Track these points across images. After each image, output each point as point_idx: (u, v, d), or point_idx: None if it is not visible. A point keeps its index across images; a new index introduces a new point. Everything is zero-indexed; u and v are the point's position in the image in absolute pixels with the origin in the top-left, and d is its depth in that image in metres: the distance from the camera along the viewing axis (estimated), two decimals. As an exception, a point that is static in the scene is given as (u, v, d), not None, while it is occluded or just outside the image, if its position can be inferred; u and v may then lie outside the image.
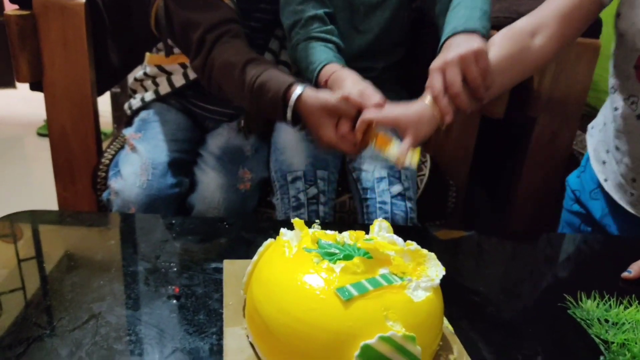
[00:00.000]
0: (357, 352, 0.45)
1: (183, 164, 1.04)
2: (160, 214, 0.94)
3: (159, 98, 1.13)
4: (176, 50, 1.08)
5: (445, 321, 0.58)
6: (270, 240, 0.58)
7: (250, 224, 0.81)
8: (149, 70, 1.14)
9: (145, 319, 0.55)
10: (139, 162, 0.98)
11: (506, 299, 0.68)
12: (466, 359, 0.54)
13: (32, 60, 1.14)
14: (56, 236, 0.73)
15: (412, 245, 0.53)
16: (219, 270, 0.65)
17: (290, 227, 0.57)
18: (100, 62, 1.20)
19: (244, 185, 1.04)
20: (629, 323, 0.59)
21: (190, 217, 0.95)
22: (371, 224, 0.59)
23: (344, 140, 0.79)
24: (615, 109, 0.89)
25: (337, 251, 0.52)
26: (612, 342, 0.57)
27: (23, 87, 1.25)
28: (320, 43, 0.97)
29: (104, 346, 0.51)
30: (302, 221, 0.57)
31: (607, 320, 0.61)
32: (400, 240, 0.54)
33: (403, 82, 1.22)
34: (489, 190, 1.60)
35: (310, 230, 0.56)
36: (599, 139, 0.98)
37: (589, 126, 1.05)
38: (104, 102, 2.23)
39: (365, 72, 0.90)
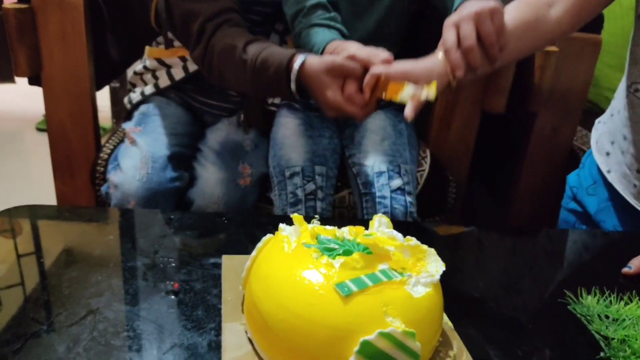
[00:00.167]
0: (356, 348, 0.44)
1: (183, 158, 1.04)
2: (160, 208, 0.94)
3: (159, 91, 1.13)
4: (176, 43, 1.07)
5: (445, 317, 0.57)
6: (269, 235, 0.57)
7: (249, 220, 0.80)
8: (148, 63, 1.13)
9: (144, 314, 0.55)
10: (139, 156, 0.98)
11: (506, 294, 0.68)
12: (466, 355, 0.54)
13: (31, 54, 1.13)
14: (54, 231, 0.73)
15: (412, 240, 0.53)
16: (218, 266, 0.64)
17: (290, 222, 0.57)
18: (99, 57, 1.20)
19: (243, 180, 1.03)
20: (630, 319, 0.59)
21: (189, 212, 0.94)
22: (371, 218, 0.58)
23: (350, 102, 0.78)
24: (627, 96, 0.89)
25: (336, 246, 0.52)
26: (613, 338, 0.56)
27: (22, 82, 1.25)
28: (324, 28, 0.96)
29: (102, 342, 0.50)
30: (301, 216, 0.56)
31: (607, 317, 0.60)
32: (400, 235, 0.54)
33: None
34: (489, 186, 1.59)
35: (310, 226, 0.56)
36: (604, 130, 0.98)
37: (597, 121, 1.04)
38: (103, 97, 2.22)
39: None
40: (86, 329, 0.52)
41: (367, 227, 0.57)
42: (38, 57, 1.14)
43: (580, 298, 0.64)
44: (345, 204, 1.13)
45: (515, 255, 0.82)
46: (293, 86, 0.81)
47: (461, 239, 0.86)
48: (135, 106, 1.14)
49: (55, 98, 1.19)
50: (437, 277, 0.50)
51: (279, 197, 1.02)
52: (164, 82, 1.12)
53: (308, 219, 0.58)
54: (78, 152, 1.23)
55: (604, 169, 0.95)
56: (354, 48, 0.82)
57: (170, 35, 1.07)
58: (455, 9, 0.81)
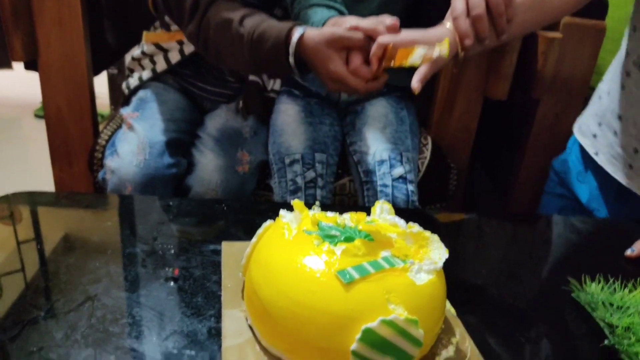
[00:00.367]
0: (358, 336, 0.44)
1: (181, 144, 1.03)
2: (157, 194, 0.93)
3: (156, 76, 1.11)
4: (173, 27, 1.05)
5: (448, 304, 0.57)
6: (269, 222, 0.56)
7: (248, 206, 0.80)
8: (146, 48, 1.12)
9: (142, 301, 0.54)
10: (136, 141, 0.97)
11: (508, 281, 0.67)
12: (468, 342, 0.53)
13: (26, 39, 1.11)
14: (52, 218, 0.72)
15: (415, 227, 0.52)
16: (217, 252, 0.63)
17: (290, 209, 0.56)
18: (96, 42, 1.18)
19: (242, 167, 1.02)
20: (634, 307, 0.58)
21: (188, 199, 0.94)
22: (372, 206, 0.58)
23: (355, 75, 0.75)
24: (627, 74, 0.88)
25: (337, 233, 0.51)
26: (617, 326, 0.56)
27: (20, 68, 1.23)
28: (323, 8, 0.93)
29: (100, 329, 0.50)
30: (302, 203, 0.55)
31: (611, 304, 0.60)
32: (402, 222, 0.53)
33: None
34: (490, 173, 1.59)
35: (311, 212, 0.55)
36: (589, 113, 0.97)
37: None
38: (101, 84, 2.21)
39: None
40: (84, 316, 0.51)
41: (368, 214, 0.56)
42: (34, 42, 1.13)
43: (583, 285, 0.63)
44: (346, 191, 1.12)
45: (517, 242, 0.81)
46: (291, 60, 0.78)
47: (463, 226, 0.85)
48: (133, 91, 1.13)
49: (52, 84, 1.18)
50: (440, 264, 0.50)
51: (279, 184, 1.01)
52: (161, 66, 1.10)
53: (308, 207, 0.57)
54: (76, 138, 1.22)
55: (591, 151, 0.94)
56: (355, 20, 0.79)
57: (167, 19, 1.05)
58: None
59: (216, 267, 0.61)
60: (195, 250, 0.64)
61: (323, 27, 0.85)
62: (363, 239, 0.50)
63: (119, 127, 1.12)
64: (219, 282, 0.58)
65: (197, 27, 0.85)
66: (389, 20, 0.75)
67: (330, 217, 0.55)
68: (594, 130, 0.95)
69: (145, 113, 1.03)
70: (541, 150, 1.29)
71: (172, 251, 0.63)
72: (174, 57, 1.08)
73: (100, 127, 1.22)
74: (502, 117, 1.44)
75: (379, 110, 1.12)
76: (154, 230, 0.68)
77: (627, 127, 0.88)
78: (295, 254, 0.49)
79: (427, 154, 1.17)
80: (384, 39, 0.74)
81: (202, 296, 0.56)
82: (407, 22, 1.15)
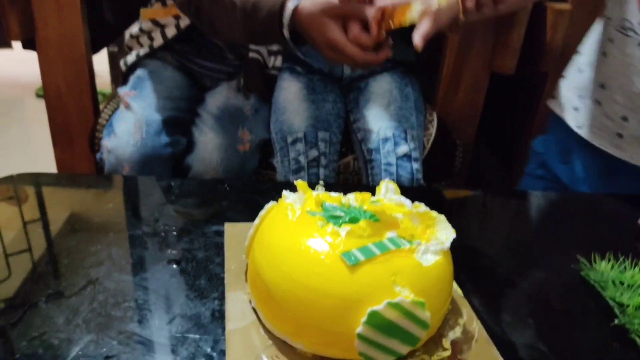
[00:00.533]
0: (364, 319, 0.43)
1: (180, 123, 1.01)
2: (155, 174, 0.92)
3: (153, 53, 1.09)
4: (169, 1, 1.03)
5: (455, 284, 0.56)
6: (272, 202, 0.55)
7: (251, 186, 0.78)
8: (144, 25, 1.10)
9: (145, 284, 0.54)
10: (132, 120, 0.95)
11: (516, 260, 0.66)
12: (476, 323, 0.52)
13: (23, 18, 1.09)
14: (52, 200, 0.71)
15: (421, 207, 0.51)
16: (220, 234, 0.62)
17: (293, 189, 0.55)
18: (94, 20, 1.16)
19: (243, 146, 1.01)
20: (645, 285, 0.57)
21: (189, 179, 0.92)
22: (376, 185, 0.56)
23: (355, 44, 0.73)
24: (610, 40, 0.85)
25: (342, 214, 0.50)
26: (627, 305, 0.55)
27: (20, 47, 1.22)
28: None
29: (102, 313, 0.49)
30: (306, 183, 0.54)
31: (621, 282, 0.59)
32: (408, 202, 0.52)
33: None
34: (496, 149, 1.57)
35: (314, 193, 0.54)
36: (568, 87, 0.95)
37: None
38: (102, 62, 2.18)
39: None
40: (86, 300, 0.51)
41: (373, 194, 0.55)
42: (31, 20, 1.10)
43: (593, 263, 0.62)
44: (350, 169, 1.11)
45: (524, 220, 0.80)
46: (286, 33, 0.76)
47: (468, 203, 0.84)
48: (131, 69, 1.11)
49: (51, 63, 1.16)
50: (447, 244, 0.49)
51: (281, 164, 1.00)
52: (158, 42, 1.08)
53: (311, 186, 0.56)
54: (76, 118, 1.20)
55: (573, 125, 0.92)
56: None
57: None
58: None
59: (219, 248, 0.60)
60: (197, 231, 0.63)
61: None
62: (368, 220, 0.48)
63: (119, 106, 1.10)
64: (222, 264, 0.57)
65: None
66: None
67: (335, 197, 0.53)
68: (575, 104, 0.93)
69: (143, 91, 1.02)
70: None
71: (174, 233, 0.63)
72: (171, 32, 1.06)
73: (102, 106, 1.20)
74: (508, 92, 1.41)
75: (382, 86, 1.10)
76: (156, 211, 0.67)
77: (613, 95, 0.86)
78: (298, 236, 0.47)
79: (433, 130, 1.15)
80: (383, 1, 0.71)
81: (205, 278, 0.55)
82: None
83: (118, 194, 0.74)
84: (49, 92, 1.19)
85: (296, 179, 0.74)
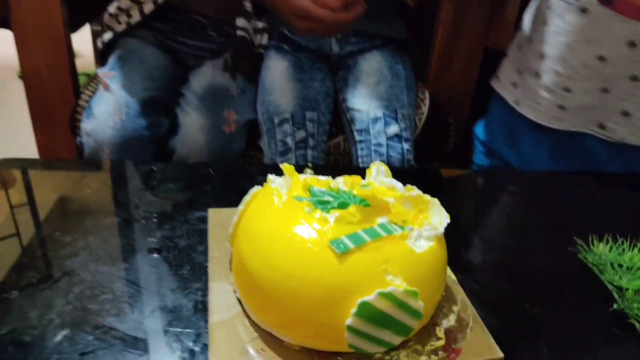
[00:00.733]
0: (354, 310, 0.41)
1: (162, 103, 0.97)
2: (136, 157, 0.89)
3: (132, 31, 1.04)
4: None
5: (448, 270, 0.54)
6: (257, 187, 0.52)
7: (237, 170, 0.75)
8: (122, 3, 1.05)
9: (123, 275, 0.51)
10: (112, 102, 0.91)
11: (511, 243, 0.64)
12: (470, 310, 0.50)
13: (-5, -5, 1.05)
14: (25, 188, 0.68)
15: (413, 190, 0.48)
16: (204, 220, 0.60)
17: (280, 173, 0.52)
18: (72, -3, 1.11)
19: (229, 127, 0.97)
20: (645, 268, 0.56)
21: (172, 163, 0.89)
22: (366, 167, 0.53)
23: (322, 6, 0.70)
24: (549, 7, 0.83)
25: (330, 199, 0.47)
26: (627, 289, 0.53)
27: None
28: None
29: (78, 306, 0.47)
30: (292, 167, 0.51)
31: (620, 265, 0.57)
32: (400, 185, 0.49)
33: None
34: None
35: (302, 176, 0.51)
36: (507, 63, 0.93)
37: None
38: (86, 42, 2.12)
39: None
40: (60, 293, 0.48)
41: (363, 177, 0.52)
42: (5, -1, 1.06)
43: (591, 246, 0.60)
44: (341, 150, 1.08)
45: (520, 201, 0.78)
46: (247, 5, 0.72)
47: (462, 185, 0.82)
48: (110, 48, 1.06)
49: (28, 43, 1.11)
50: (441, 229, 0.46)
51: (268, 145, 0.96)
52: (136, 19, 1.03)
53: (299, 169, 0.53)
54: (56, 99, 1.16)
55: (510, 100, 0.90)
56: None
57: None
58: None
59: (202, 236, 0.57)
60: (179, 218, 0.60)
61: None
62: (358, 205, 0.46)
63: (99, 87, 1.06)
64: (205, 253, 0.54)
65: None
66: None
67: (323, 181, 0.51)
68: (514, 79, 0.91)
69: (122, 72, 0.98)
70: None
71: (155, 220, 0.60)
72: (148, 7, 1.02)
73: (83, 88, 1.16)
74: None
75: (372, 64, 1.07)
76: (136, 197, 0.64)
77: (553, 65, 0.83)
78: (285, 223, 0.45)
79: (425, 109, 1.12)
80: None
81: (187, 268, 0.52)
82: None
83: (96, 179, 0.71)
84: (27, 74, 1.14)
85: (283, 161, 0.72)
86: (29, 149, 1.28)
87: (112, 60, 1.02)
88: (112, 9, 1.09)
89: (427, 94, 1.15)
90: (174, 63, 1.07)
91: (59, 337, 0.43)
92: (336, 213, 0.44)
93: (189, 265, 0.53)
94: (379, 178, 0.52)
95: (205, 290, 0.50)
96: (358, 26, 1.07)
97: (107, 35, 1.07)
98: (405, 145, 0.97)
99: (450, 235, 0.48)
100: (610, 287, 0.54)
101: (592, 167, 0.87)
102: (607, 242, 0.60)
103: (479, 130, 1.02)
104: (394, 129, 0.97)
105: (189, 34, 1.06)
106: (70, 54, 1.14)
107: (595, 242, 0.60)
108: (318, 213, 0.45)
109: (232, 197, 0.64)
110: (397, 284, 0.41)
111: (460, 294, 0.52)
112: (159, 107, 0.96)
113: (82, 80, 1.22)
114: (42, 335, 0.43)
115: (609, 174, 0.87)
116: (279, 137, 0.95)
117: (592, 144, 0.86)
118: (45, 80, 1.15)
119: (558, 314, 0.52)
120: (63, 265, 0.51)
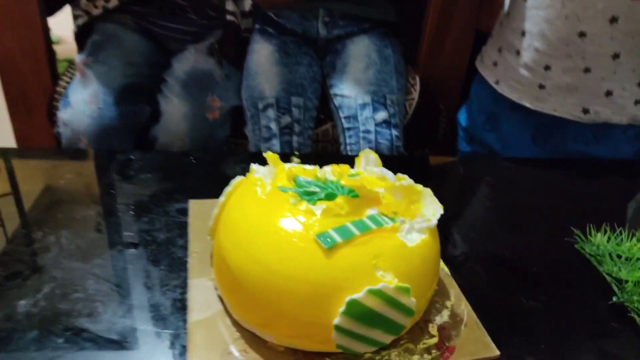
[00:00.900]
0: (342, 308, 0.38)
1: (143, 90, 0.94)
2: (116, 147, 0.85)
3: (109, 15, 1.00)
4: None
5: (441, 263, 0.51)
6: (239, 177, 0.49)
7: (220, 159, 0.72)
8: (99, -14, 1.01)
9: (97, 272, 0.48)
10: (88, 89, 0.87)
11: (506, 233, 0.62)
12: (464, 305, 0.48)
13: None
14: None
15: (405, 180, 0.45)
16: (184, 212, 0.57)
17: (264, 161, 0.49)
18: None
19: (212, 114, 0.94)
20: (644, 258, 0.53)
21: (152, 152, 0.86)
22: (354, 155, 0.51)
23: None
24: None
25: (317, 190, 0.44)
26: (626, 281, 0.51)
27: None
28: None
29: (47, 307, 0.43)
30: (277, 155, 0.48)
31: (619, 256, 0.55)
32: (390, 174, 0.46)
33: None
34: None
35: (287, 166, 0.48)
36: (489, 43, 0.92)
37: None
38: (66, 27, 2.06)
39: None
40: (29, 292, 0.45)
41: (352, 165, 0.49)
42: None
43: (589, 236, 0.58)
44: (329, 137, 1.05)
45: (514, 189, 0.75)
46: None
47: (454, 173, 0.79)
48: (86, 33, 1.02)
49: (1, 27, 1.06)
50: (434, 221, 0.44)
51: (252, 132, 0.93)
52: (113, 3, 0.99)
53: (285, 156, 0.50)
54: (33, 86, 1.11)
55: (491, 80, 0.88)
56: None
57: None
58: None
59: (182, 229, 0.54)
60: (158, 210, 0.57)
61: None
62: (346, 196, 0.43)
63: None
64: (185, 247, 0.51)
65: None
66: None
67: (309, 171, 0.48)
68: (494, 58, 0.89)
69: (100, 58, 0.93)
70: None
71: (132, 212, 0.56)
72: None
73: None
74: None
75: (360, 49, 1.04)
76: (112, 188, 0.61)
77: (533, 42, 0.81)
78: (268, 215, 0.42)
79: (415, 95, 1.09)
80: None
81: (166, 264, 0.50)
82: None
83: (70, 169, 0.67)
84: (2, 60, 1.09)
85: (267, 148, 0.68)
86: (4, 137, 1.24)
87: (89, 46, 0.98)
88: (88, -8, 1.04)
89: (417, 79, 1.12)
90: (155, 48, 1.03)
91: (26, 340, 0.40)
92: (323, 205, 0.42)
93: (167, 260, 0.50)
94: (368, 167, 0.49)
95: (184, 288, 0.47)
96: (346, 9, 1.04)
97: (81, 20, 1.03)
98: (394, 132, 0.94)
99: (444, 225, 0.46)
100: (609, 279, 0.52)
101: (577, 149, 0.85)
102: (605, 232, 0.58)
103: (462, 116, 1.00)
104: (382, 115, 0.94)
105: (169, 17, 1.02)
106: (47, 39, 1.09)
107: (592, 232, 0.58)
108: (304, 205, 0.42)
109: (215, 188, 0.61)
110: (388, 280, 0.39)
111: (453, 287, 0.50)
112: (139, 94, 0.92)
113: (64, 67, 1.17)
114: (8, 338, 0.40)
115: (601, 159, 0.85)
116: (263, 123, 0.91)
117: (576, 125, 0.84)
118: (21, 65, 1.10)
119: (555, 308, 0.50)
120: (32, 262, 0.48)
